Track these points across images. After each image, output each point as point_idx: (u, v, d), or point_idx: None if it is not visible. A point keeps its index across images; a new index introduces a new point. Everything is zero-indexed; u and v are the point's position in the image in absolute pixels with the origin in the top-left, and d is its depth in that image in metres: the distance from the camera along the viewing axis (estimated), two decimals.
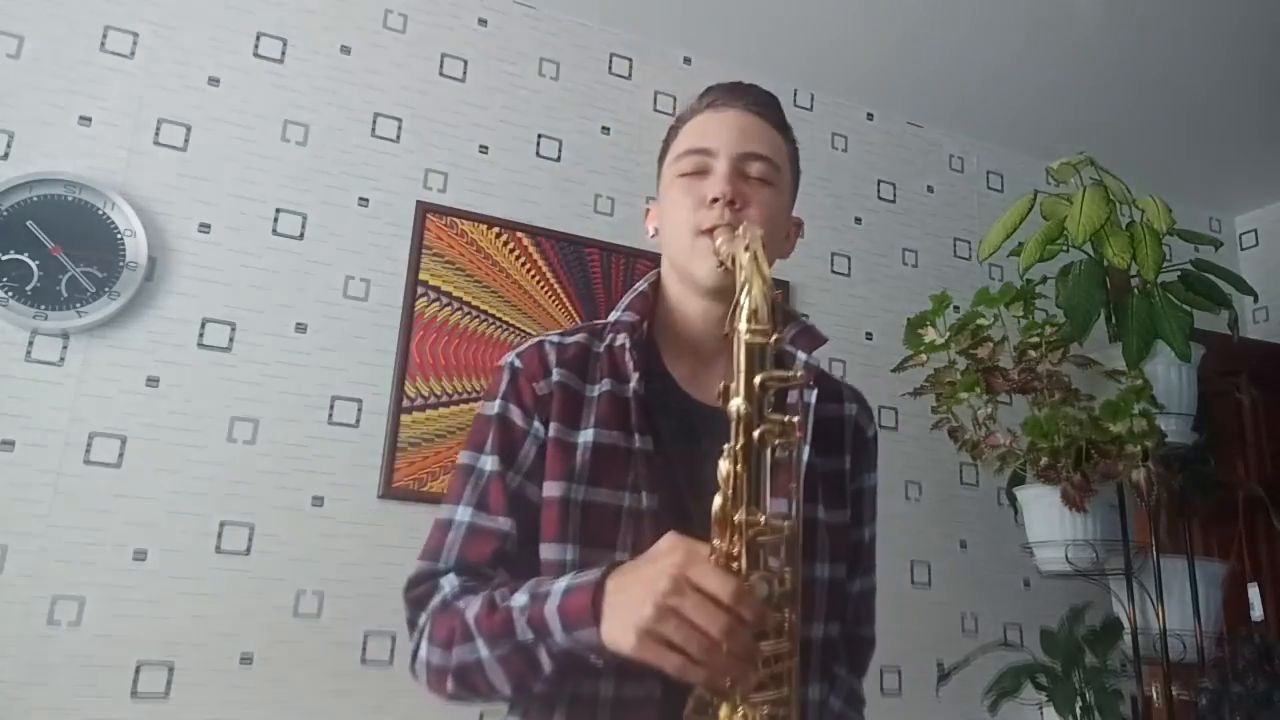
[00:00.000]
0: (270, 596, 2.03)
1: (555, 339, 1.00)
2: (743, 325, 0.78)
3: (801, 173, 1.08)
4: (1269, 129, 2.97)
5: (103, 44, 2.15)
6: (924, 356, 2.23)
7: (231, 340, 2.13)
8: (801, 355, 1.01)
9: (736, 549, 0.75)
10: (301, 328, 2.19)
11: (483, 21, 2.56)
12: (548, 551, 0.90)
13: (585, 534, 0.89)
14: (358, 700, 2.02)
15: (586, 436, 0.93)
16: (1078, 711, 2.12)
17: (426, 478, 2.20)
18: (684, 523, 0.82)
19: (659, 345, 1.01)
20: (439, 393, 2.26)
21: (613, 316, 1.01)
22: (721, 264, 0.90)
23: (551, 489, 0.91)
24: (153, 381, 2.04)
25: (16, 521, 1.88)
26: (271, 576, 2.04)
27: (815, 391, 1.00)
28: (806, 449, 0.96)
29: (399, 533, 2.14)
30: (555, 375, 0.96)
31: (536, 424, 0.94)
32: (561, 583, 0.80)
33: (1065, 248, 2.23)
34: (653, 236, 1.06)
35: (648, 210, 1.08)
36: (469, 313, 2.34)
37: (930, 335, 2.20)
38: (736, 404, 0.77)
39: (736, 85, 1.03)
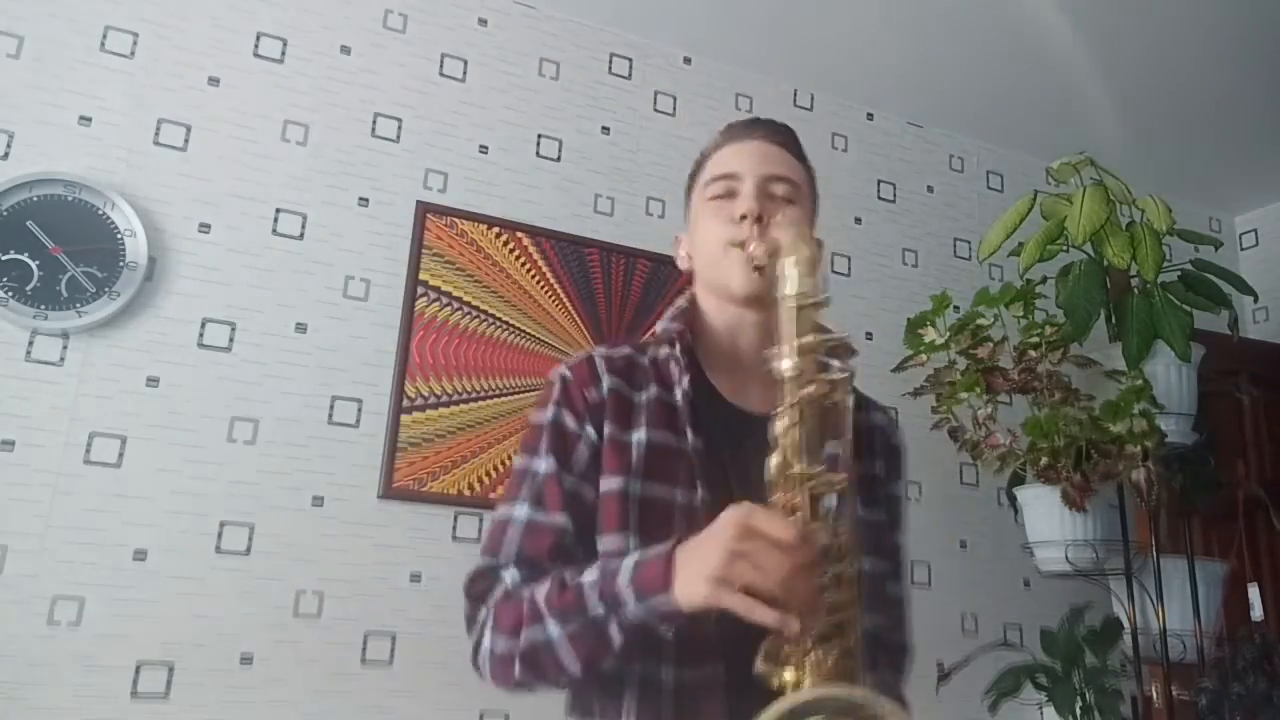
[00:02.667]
0: (270, 596, 2.03)
1: (603, 351, 1.06)
2: (788, 293, 0.87)
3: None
4: (1269, 129, 2.97)
5: (103, 44, 2.15)
6: (924, 356, 2.23)
7: (231, 340, 2.13)
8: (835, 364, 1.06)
9: (796, 499, 0.81)
10: (301, 328, 2.19)
11: (483, 21, 2.56)
12: (607, 543, 0.94)
13: (642, 525, 0.94)
14: (358, 700, 2.02)
15: (640, 435, 0.98)
16: (1078, 711, 2.12)
17: (426, 478, 2.20)
18: None
19: (700, 359, 1.06)
20: (439, 393, 2.26)
21: (658, 328, 1.08)
22: (758, 269, 0.97)
23: (610, 483, 0.96)
24: (153, 381, 2.05)
25: (16, 521, 1.88)
26: (271, 576, 2.04)
27: (853, 396, 1.03)
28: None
29: (399, 533, 2.14)
30: (607, 382, 1.01)
31: (589, 429, 0.99)
32: (631, 558, 0.86)
33: (1065, 248, 2.23)
34: (684, 263, 1.13)
35: (677, 239, 1.15)
36: (469, 313, 2.34)
37: (930, 335, 2.20)
38: (787, 363, 0.85)
39: (755, 120, 1.12)
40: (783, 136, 1.10)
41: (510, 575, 0.94)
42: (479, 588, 0.96)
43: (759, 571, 0.76)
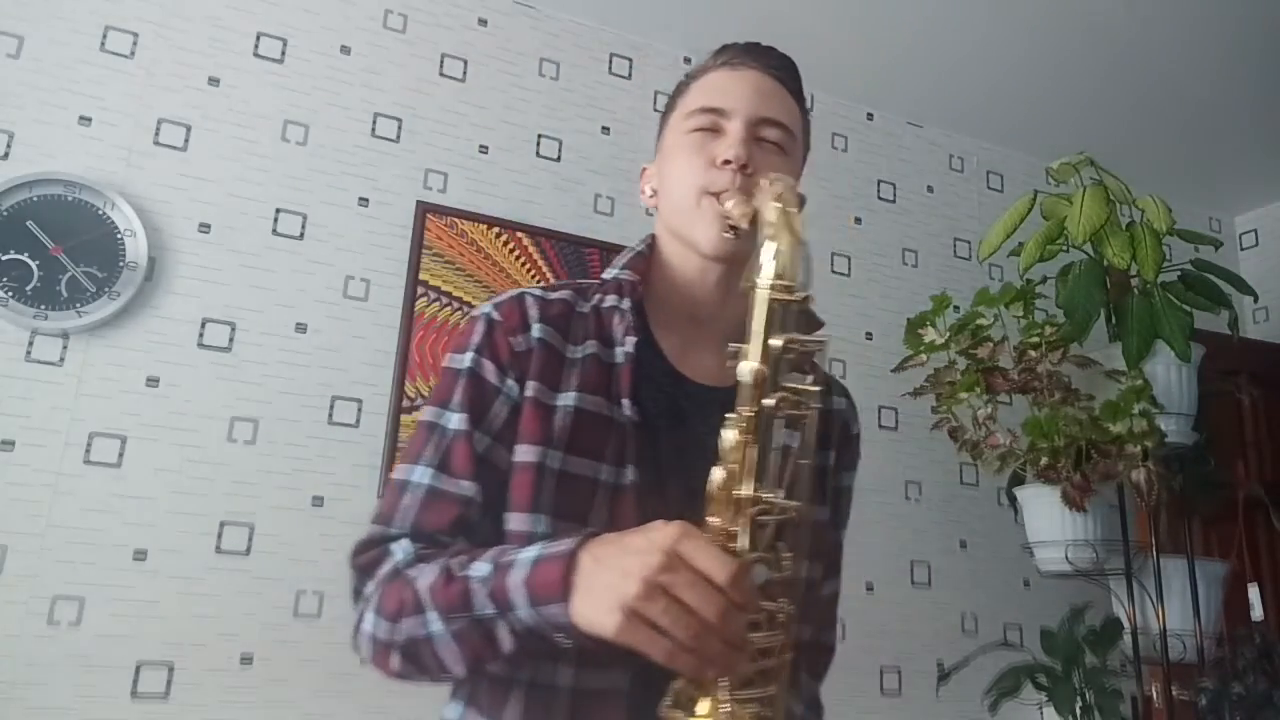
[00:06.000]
0: (270, 596, 2.03)
1: (538, 293, 0.92)
2: (763, 281, 0.71)
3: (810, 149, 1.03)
4: (1269, 129, 2.97)
5: (103, 44, 2.15)
6: (924, 356, 2.23)
7: (231, 340, 2.13)
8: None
9: (737, 528, 0.68)
10: (301, 328, 2.19)
11: (483, 21, 2.56)
12: (515, 522, 0.82)
13: (558, 505, 0.82)
14: (358, 700, 2.02)
15: (568, 400, 0.85)
16: (1078, 711, 2.12)
17: None
18: (663, 502, 0.76)
19: (648, 313, 0.93)
20: None
21: (608, 274, 0.93)
22: (732, 229, 0.84)
23: (525, 453, 0.83)
24: (153, 381, 2.04)
25: (16, 521, 1.88)
26: (271, 576, 2.04)
27: (809, 378, 0.94)
28: (797, 436, 0.89)
29: None
30: (536, 331, 0.88)
31: (510, 382, 0.86)
32: (530, 552, 0.73)
33: (1065, 248, 2.23)
34: (650, 199, 0.97)
35: (644, 172, 1.00)
36: (469, 313, 2.34)
37: (930, 335, 2.20)
38: (749, 366, 0.70)
39: (755, 45, 0.96)
40: (783, 71, 0.95)
41: (402, 549, 0.81)
42: (365, 558, 0.83)
43: (680, 611, 0.63)
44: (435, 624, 0.75)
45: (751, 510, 0.69)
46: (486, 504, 0.84)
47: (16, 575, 1.86)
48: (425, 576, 0.77)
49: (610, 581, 0.66)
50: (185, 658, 1.94)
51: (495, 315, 0.89)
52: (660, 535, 0.66)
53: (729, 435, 0.70)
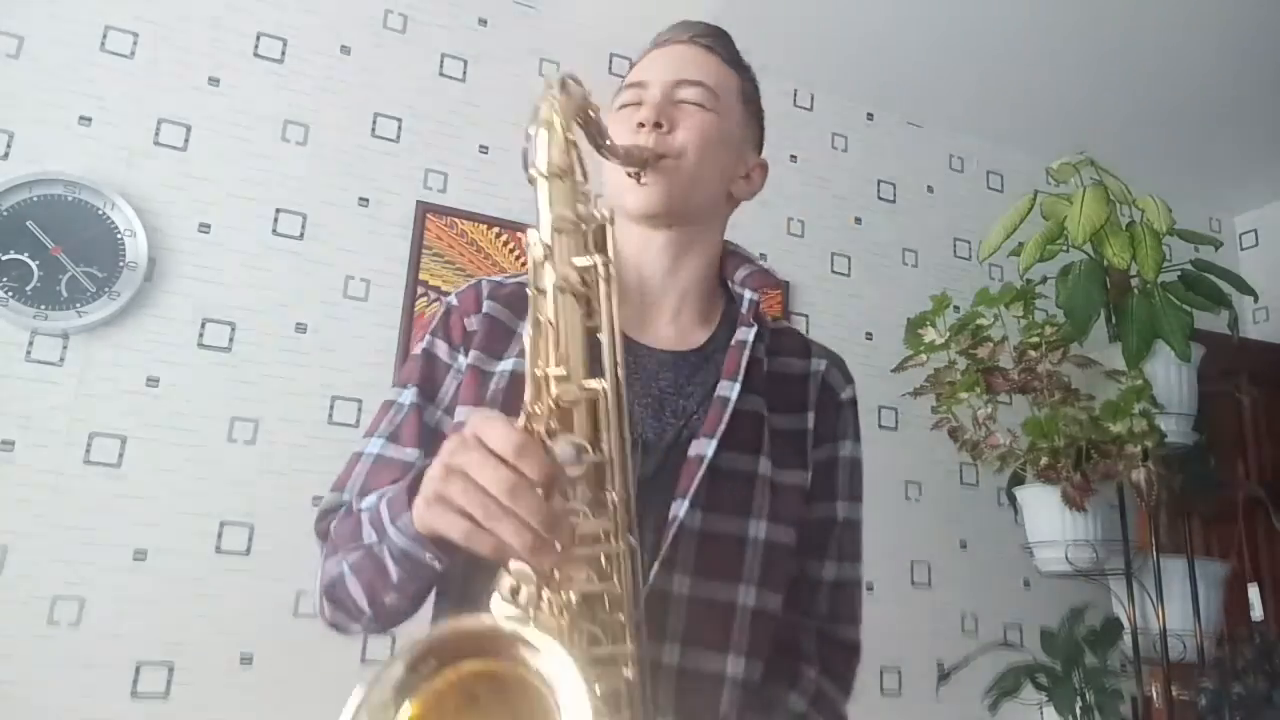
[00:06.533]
0: (270, 596, 2.03)
1: (497, 279, 0.98)
2: (537, 167, 0.74)
3: (764, 111, 1.05)
4: (1269, 129, 2.97)
5: (103, 44, 2.15)
6: (924, 356, 2.23)
7: (231, 340, 2.13)
8: (749, 295, 0.97)
9: (540, 409, 0.68)
10: (301, 328, 2.19)
11: (483, 21, 2.56)
12: None
13: None
14: None
15: (505, 365, 0.89)
16: (1078, 711, 2.12)
17: None
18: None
19: None
20: None
21: None
22: (633, 174, 0.89)
23: (460, 415, 0.88)
24: (153, 381, 2.04)
25: (16, 521, 1.88)
26: (271, 576, 2.04)
27: (754, 330, 0.93)
28: (736, 387, 0.89)
29: None
30: (486, 308, 0.93)
31: (462, 359, 0.91)
32: (406, 480, 0.76)
33: (1065, 248, 2.24)
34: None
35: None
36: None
37: (930, 335, 2.20)
38: (536, 245, 0.71)
39: (683, 22, 1.02)
40: (710, 39, 1.00)
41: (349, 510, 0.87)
42: (322, 526, 0.89)
43: (472, 489, 0.63)
44: (343, 561, 0.80)
45: (552, 390, 0.69)
46: None
47: (16, 575, 1.86)
48: (336, 519, 0.83)
49: (428, 475, 0.68)
50: (185, 658, 1.94)
51: (454, 301, 0.96)
52: (466, 424, 0.67)
53: (530, 318, 0.71)
